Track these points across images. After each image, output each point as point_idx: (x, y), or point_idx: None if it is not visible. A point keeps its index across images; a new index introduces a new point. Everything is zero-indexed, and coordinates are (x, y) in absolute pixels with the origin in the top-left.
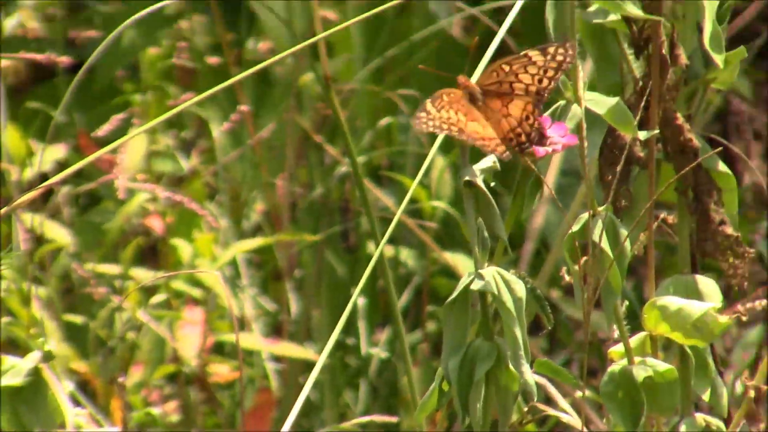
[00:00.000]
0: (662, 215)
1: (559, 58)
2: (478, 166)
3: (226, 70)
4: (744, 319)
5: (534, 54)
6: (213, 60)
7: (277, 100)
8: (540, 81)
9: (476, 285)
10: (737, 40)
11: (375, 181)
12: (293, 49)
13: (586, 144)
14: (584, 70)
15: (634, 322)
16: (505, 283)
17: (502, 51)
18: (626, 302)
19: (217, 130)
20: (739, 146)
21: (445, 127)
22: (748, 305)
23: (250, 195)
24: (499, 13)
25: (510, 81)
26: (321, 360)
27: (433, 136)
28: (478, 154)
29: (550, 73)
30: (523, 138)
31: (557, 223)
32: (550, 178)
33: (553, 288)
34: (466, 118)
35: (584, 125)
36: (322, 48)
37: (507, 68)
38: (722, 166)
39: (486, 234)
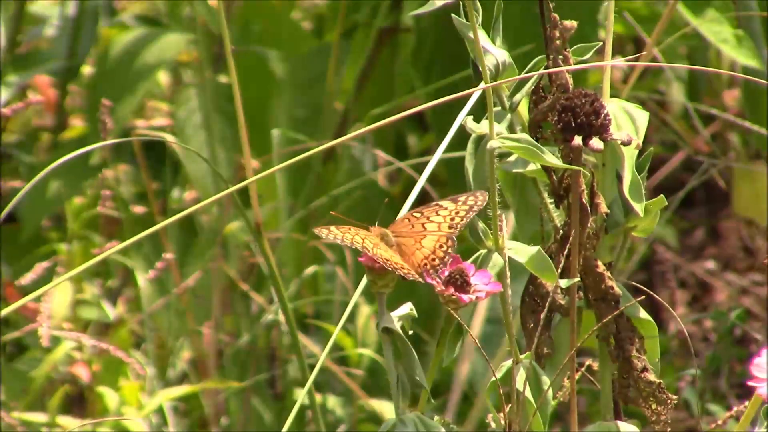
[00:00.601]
0: (587, 362)
1: (470, 202)
2: (396, 313)
3: (152, 219)
4: None
5: (445, 203)
6: (138, 209)
7: (203, 249)
8: (452, 219)
9: (397, 429)
10: (661, 189)
11: (301, 329)
12: (222, 194)
13: (509, 292)
14: (507, 220)
15: None
16: (426, 429)
17: (425, 200)
18: None
19: (143, 279)
20: (664, 294)
21: (347, 240)
22: None
23: (176, 343)
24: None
25: (422, 223)
26: None
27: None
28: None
29: (461, 213)
30: (437, 263)
31: (483, 371)
32: (476, 325)
33: None
34: (373, 246)
35: (507, 273)
36: (253, 193)
37: (418, 215)
38: (644, 314)
39: (406, 380)
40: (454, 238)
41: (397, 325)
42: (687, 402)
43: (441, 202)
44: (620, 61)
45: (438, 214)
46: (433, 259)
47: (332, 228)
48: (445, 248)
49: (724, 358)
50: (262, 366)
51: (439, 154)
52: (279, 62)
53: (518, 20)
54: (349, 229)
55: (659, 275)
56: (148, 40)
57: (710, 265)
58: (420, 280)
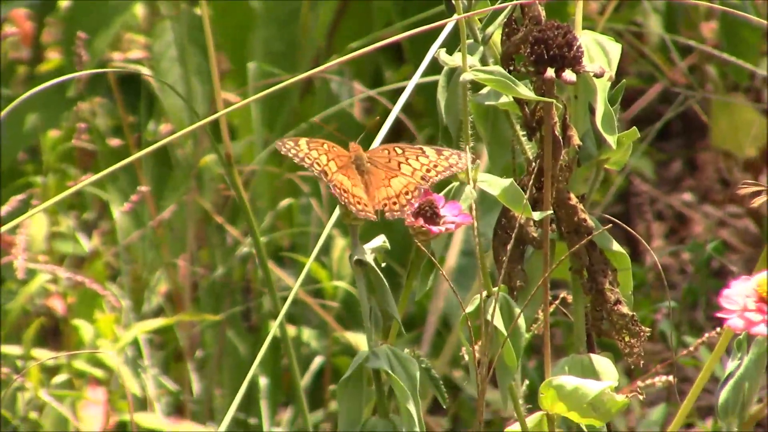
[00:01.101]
0: (561, 295)
1: (452, 161)
2: (369, 246)
3: (127, 152)
4: (642, 397)
5: (429, 150)
6: (114, 142)
7: (178, 182)
8: (428, 170)
9: (370, 363)
10: (638, 121)
11: (277, 262)
12: (193, 126)
13: (479, 224)
14: (479, 152)
15: (536, 401)
16: (399, 362)
17: (401, 130)
18: (527, 381)
19: (118, 212)
20: (641, 227)
21: (307, 162)
22: (648, 382)
23: (151, 276)
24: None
25: (399, 161)
26: None
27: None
28: (372, 232)
29: (440, 168)
30: (396, 208)
31: (458, 304)
32: (451, 258)
33: (455, 368)
34: (337, 169)
35: (474, 206)
36: (224, 125)
37: (400, 151)
38: (616, 246)
39: (379, 313)
40: (422, 190)
41: (370, 258)
42: (663, 334)
43: (425, 149)
44: None
45: (418, 160)
46: (394, 203)
47: (300, 143)
48: (410, 196)
49: (701, 290)
50: (237, 299)
51: (413, 83)
52: None
53: None
54: (322, 144)
55: (636, 207)
56: None
57: (687, 197)
58: (372, 217)
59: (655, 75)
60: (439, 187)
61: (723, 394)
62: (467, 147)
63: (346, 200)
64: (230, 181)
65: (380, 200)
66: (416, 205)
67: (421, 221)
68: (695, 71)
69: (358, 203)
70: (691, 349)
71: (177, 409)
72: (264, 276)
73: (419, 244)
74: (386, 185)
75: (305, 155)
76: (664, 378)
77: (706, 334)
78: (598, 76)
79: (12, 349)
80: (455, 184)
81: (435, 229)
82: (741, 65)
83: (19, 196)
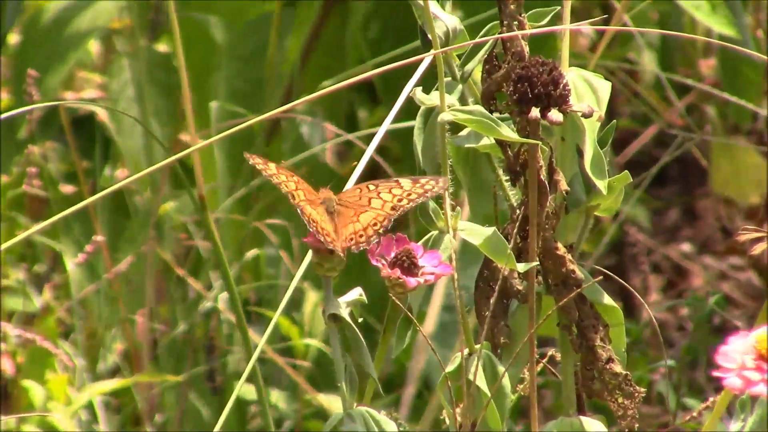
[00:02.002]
0: (549, 353)
1: (427, 187)
2: (344, 299)
3: (81, 199)
4: None
5: (404, 181)
6: (67, 188)
7: (136, 231)
8: (399, 200)
9: (344, 427)
10: (633, 165)
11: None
12: (154, 167)
13: (459, 276)
14: (460, 199)
15: None
16: (376, 425)
17: (377, 176)
18: None
19: (72, 264)
20: (636, 280)
21: (276, 181)
22: None
23: (107, 333)
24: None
25: (370, 197)
26: None
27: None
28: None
29: (413, 196)
30: (362, 240)
31: (439, 363)
32: (432, 313)
33: None
34: (305, 200)
35: (454, 257)
36: (197, 162)
37: (373, 187)
38: (608, 299)
39: (354, 372)
40: (391, 220)
41: (345, 312)
42: (661, 396)
43: (401, 180)
44: (580, 25)
45: (390, 192)
46: (360, 236)
47: (270, 164)
48: (377, 227)
49: (701, 348)
50: (200, 358)
51: (386, 125)
52: (221, 30)
53: None
54: (291, 175)
55: (631, 259)
56: (79, 7)
57: (686, 247)
58: (339, 252)
59: (649, 116)
60: (417, 236)
61: None
62: (446, 193)
63: (314, 229)
64: (204, 225)
65: (347, 236)
66: (382, 246)
67: (397, 272)
68: (693, 111)
69: (327, 236)
70: (694, 414)
71: None
72: (239, 328)
73: (395, 297)
74: (354, 221)
75: (276, 177)
76: None
77: (710, 399)
78: (587, 116)
79: None
80: (434, 232)
81: (413, 280)
82: (742, 105)
83: None
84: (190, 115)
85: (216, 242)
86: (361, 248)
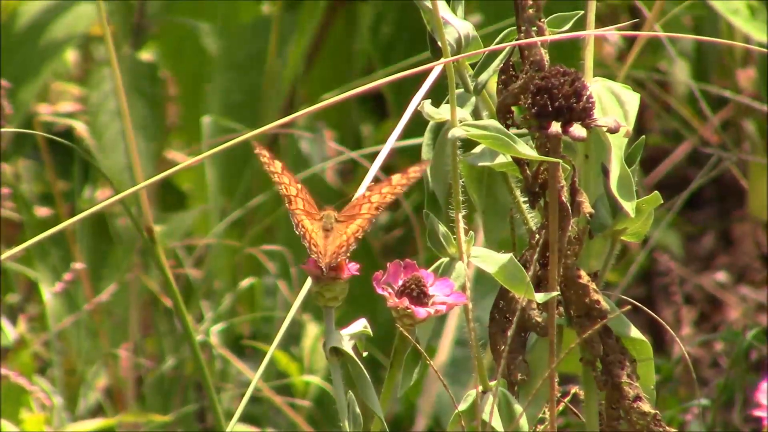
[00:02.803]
0: (571, 390)
1: (413, 174)
2: (347, 331)
3: (58, 223)
4: None
5: (395, 177)
6: (42, 211)
7: (119, 258)
8: (384, 198)
9: None
10: (664, 186)
11: (236, 353)
12: (136, 187)
13: (473, 307)
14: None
15: None
16: None
17: None
18: None
19: (49, 293)
20: (667, 312)
21: (276, 179)
22: None
23: (88, 368)
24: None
25: (361, 204)
26: None
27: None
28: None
29: (398, 189)
30: (343, 251)
31: (451, 401)
32: (444, 347)
33: None
34: (302, 211)
35: (468, 286)
36: (144, 199)
37: (368, 193)
38: (635, 332)
39: (358, 410)
40: (372, 221)
41: (348, 346)
42: None
43: (393, 177)
44: (606, 31)
45: (380, 192)
46: (342, 247)
47: (277, 163)
48: (359, 233)
49: (738, 386)
50: (189, 396)
51: (392, 141)
52: (213, 37)
53: None
54: (296, 181)
55: (661, 289)
56: (55, 12)
57: (721, 276)
58: (323, 268)
59: (682, 132)
60: (427, 263)
61: None
62: (458, 216)
63: (307, 242)
64: (155, 261)
65: (333, 252)
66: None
67: (405, 301)
68: (730, 127)
69: (318, 252)
70: None
71: None
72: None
73: (403, 329)
74: (343, 233)
75: (278, 178)
76: None
77: None
78: (613, 131)
79: None
80: (445, 259)
81: (422, 311)
82: None
83: None
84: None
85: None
86: (340, 258)
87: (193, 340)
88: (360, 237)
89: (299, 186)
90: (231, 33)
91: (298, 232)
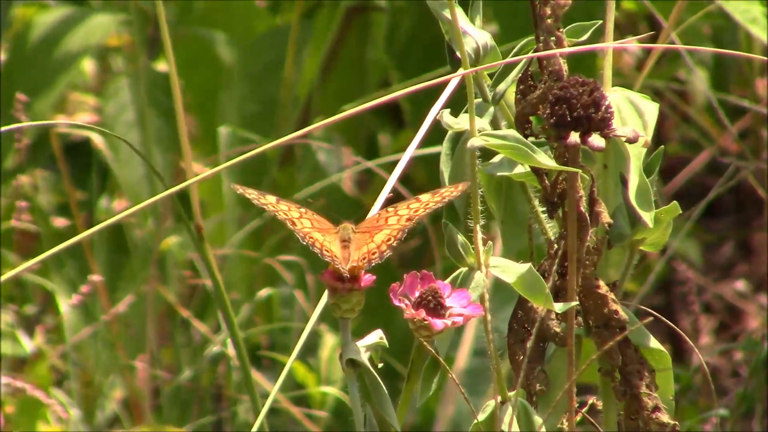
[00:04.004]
0: (589, 401)
1: (446, 194)
2: (363, 342)
3: (75, 235)
4: None
5: (424, 196)
6: (59, 222)
7: (136, 269)
8: (416, 212)
9: None
10: (683, 196)
11: (254, 364)
12: (154, 198)
13: (492, 318)
14: (492, 233)
15: None
16: None
17: None
18: None
19: (65, 305)
20: (686, 321)
21: (271, 209)
22: None
23: (105, 380)
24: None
25: (387, 217)
26: None
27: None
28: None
29: (431, 205)
30: (375, 257)
31: (470, 412)
32: (462, 358)
33: None
34: (311, 228)
35: (486, 296)
36: (194, 191)
37: (391, 210)
38: (654, 342)
39: (375, 421)
40: (405, 231)
41: (364, 357)
42: None
43: (420, 196)
44: (625, 43)
45: (409, 207)
46: (373, 253)
47: (269, 195)
48: (391, 241)
49: (758, 396)
50: (207, 407)
51: (411, 151)
52: (228, 47)
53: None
54: (298, 207)
55: (680, 298)
56: (71, 23)
57: (740, 285)
58: (344, 273)
59: (700, 141)
60: (444, 273)
61: None
62: (476, 226)
63: (318, 249)
64: (203, 260)
65: (360, 256)
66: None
67: (422, 313)
68: (748, 136)
69: (333, 257)
70: None
71: None
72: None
73: (422, 340)
74: (368, 242)
75: (272, 207)
76: None
77: None
78: (632, 141)
79: None
80: (463, 269)
81: (439, 322)
82: None
83: None
84: (186, 145)
85: (216, 279)
86: (374, 263)
87: (236, 331)
88: (394, 245)
89: (303, 210)
90: (247, 43)
91: (305, 243)
